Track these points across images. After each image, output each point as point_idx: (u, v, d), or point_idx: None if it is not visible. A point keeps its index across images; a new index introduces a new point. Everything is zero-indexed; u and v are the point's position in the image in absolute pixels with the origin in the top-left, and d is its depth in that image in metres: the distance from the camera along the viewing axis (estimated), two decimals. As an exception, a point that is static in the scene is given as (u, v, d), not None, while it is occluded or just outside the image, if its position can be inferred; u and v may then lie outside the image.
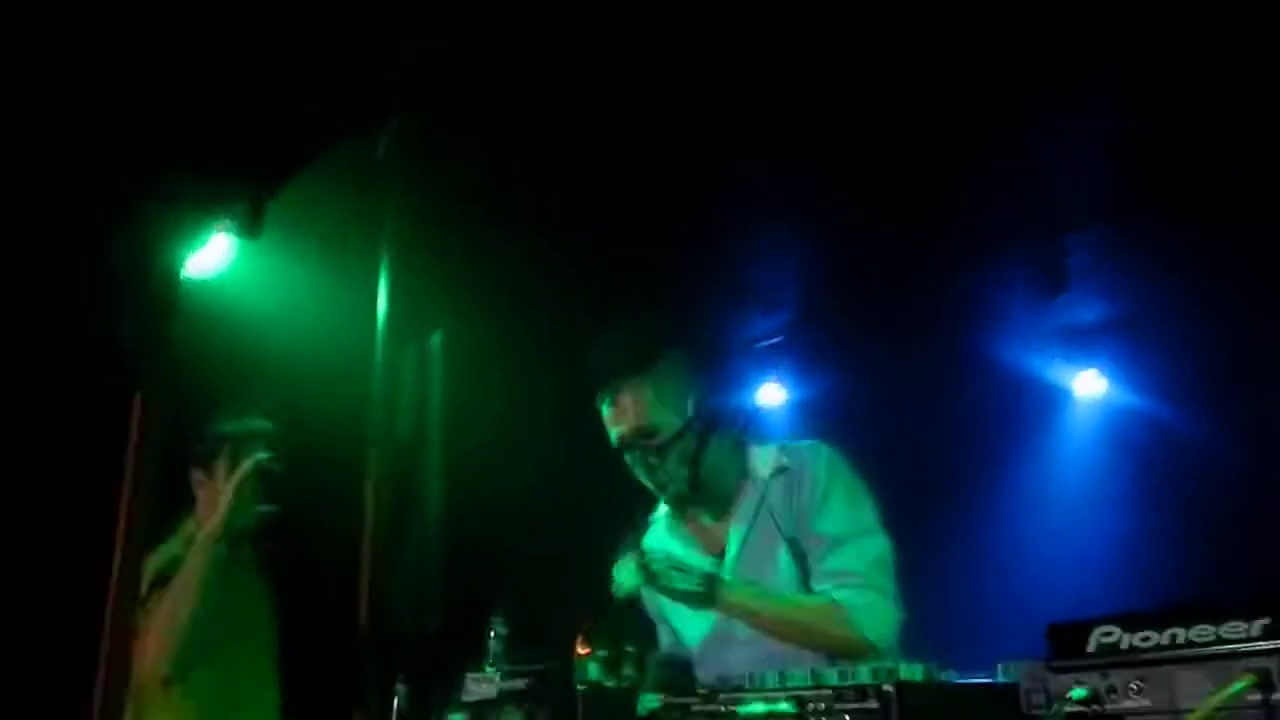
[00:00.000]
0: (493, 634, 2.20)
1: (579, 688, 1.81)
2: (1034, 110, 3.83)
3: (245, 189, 2.97)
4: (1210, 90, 3.65)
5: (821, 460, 2.44)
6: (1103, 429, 4.77)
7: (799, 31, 3.54)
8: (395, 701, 2.36)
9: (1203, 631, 1.09)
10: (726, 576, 2.35)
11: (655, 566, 2.31)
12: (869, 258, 4.65)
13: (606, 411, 2.48)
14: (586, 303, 4.40)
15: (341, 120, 3.00)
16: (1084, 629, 1.18)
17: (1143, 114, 3.81)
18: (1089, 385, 4.84)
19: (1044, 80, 3.69)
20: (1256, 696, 1.05)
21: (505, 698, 1.84)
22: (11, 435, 2.39)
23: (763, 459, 2.50)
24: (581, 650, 1.97)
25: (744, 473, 2.49)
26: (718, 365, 2.69)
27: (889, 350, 4.90)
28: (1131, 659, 1.14)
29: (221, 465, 2.94)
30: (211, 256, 3.06)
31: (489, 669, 2.00)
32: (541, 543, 3.94)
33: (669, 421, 2.41)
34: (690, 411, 2.43)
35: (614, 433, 2.47)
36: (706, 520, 2.53)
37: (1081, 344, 4.79)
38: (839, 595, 2.27)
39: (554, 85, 3.63)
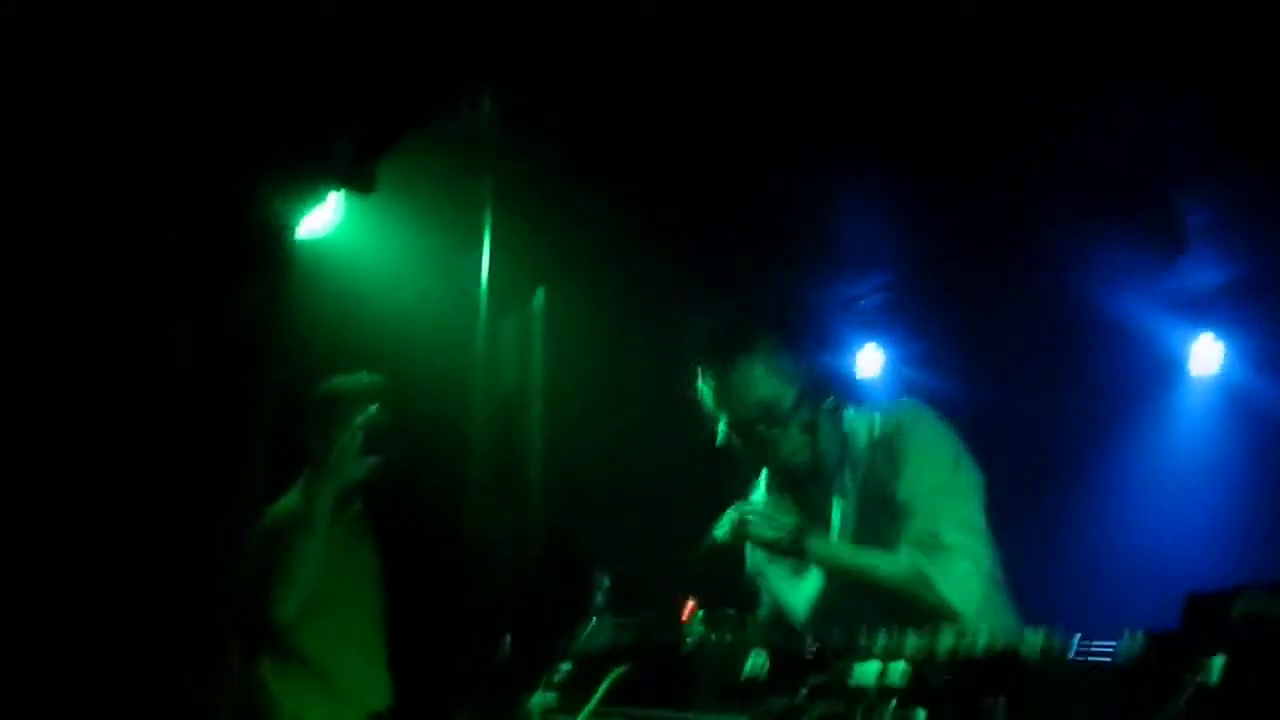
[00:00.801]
0: (598, 589, 2.22)
1: (686, 642, 1.82)
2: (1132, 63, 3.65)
3: (355, 149, 3.03)
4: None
5: (917, 422, 2.42)
6: (1220, 400, 4.56)
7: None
8: (500, 652, 2.41)
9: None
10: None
11: (747, 515, 2.33)
12: (967, 221, 4.51)
13: (713, 395, 2.44)
14: (681, 271, 4.39)
15: (448, 85, 3.03)
16: (1225, 598, 1.14)
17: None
18: (1205, 353, 4.62)
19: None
20: None
21: (617, 650, 1.86)
22: (135, 387, 2.48)
23: (861, 427, 2.47)
24: (687, 607, 1.98)
25: (843, 443, 2.46)
26: (818, 331, 2.76)
27: (988, 315, 4.77)
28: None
29: (334, 420, 3.02)
30: (324, 215, 3.14)
31: (598, 622, 2.02)
32: (639, 504, 3.96)
33: (784, 392, 2.38)
34: (802, 380, 2.41)
35: (725, 415, 2.42)
36: (811, 497, 2.49)
37: (1198, 310, 4.57)
38: (922, 561, 2.25)
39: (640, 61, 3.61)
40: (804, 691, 1.46)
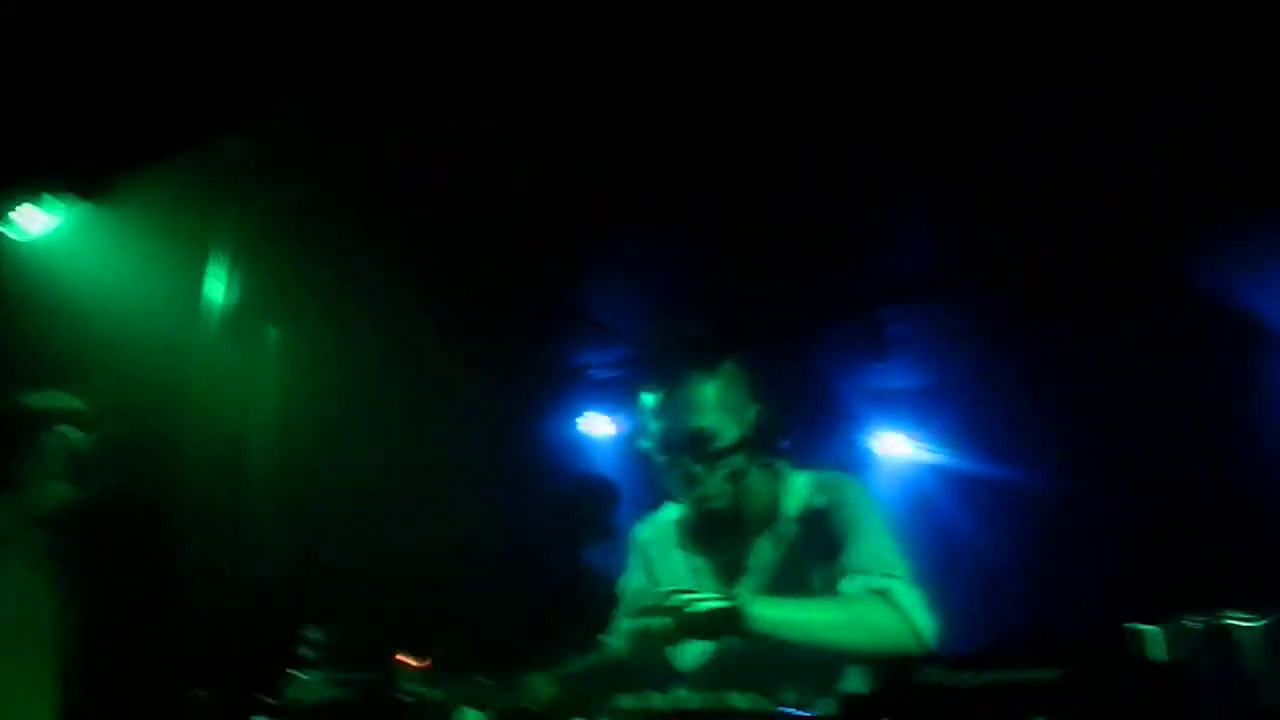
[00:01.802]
0: (308, 642, 2.14)
1: (404, 698, 1.80)
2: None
3: (90, 153, 2.83)
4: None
5: (855, 497, 2.28)
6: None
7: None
8: (198, 700, 2.28)
9: None
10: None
11: (678, 599, 2.00)
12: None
13: (657, 405, 2.24)
14: (431, 318, 4.36)
15: (204, 105, 2.90)
16: (910, 667, 1.30)
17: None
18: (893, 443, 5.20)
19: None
20: None
21: (330, 704, 1.80)
22: None
23: (794, 492, 2.33)
24: (409, 662, 1.96)
25: (771, 505, 2.31)
26: (777, 381, 2.45)
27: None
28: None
29: (22, 441, 2.75)
30: (40, 219, 2.90)
31: (312, 673, 1.95)
32: (366, 552, 3.85)
33: (727, 429, 2.21)
34: (749, 424, 2.25)
35: (659, 429, 2.23)
36: (722, 543, 2.33)
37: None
38: (877, 584, 2.09)
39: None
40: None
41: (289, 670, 2.01)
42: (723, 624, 1.99)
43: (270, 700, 1.96)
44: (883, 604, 2.06)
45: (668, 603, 1.98)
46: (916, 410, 5.10)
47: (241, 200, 3.12)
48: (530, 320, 4.77)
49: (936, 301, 4.62)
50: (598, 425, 5.45)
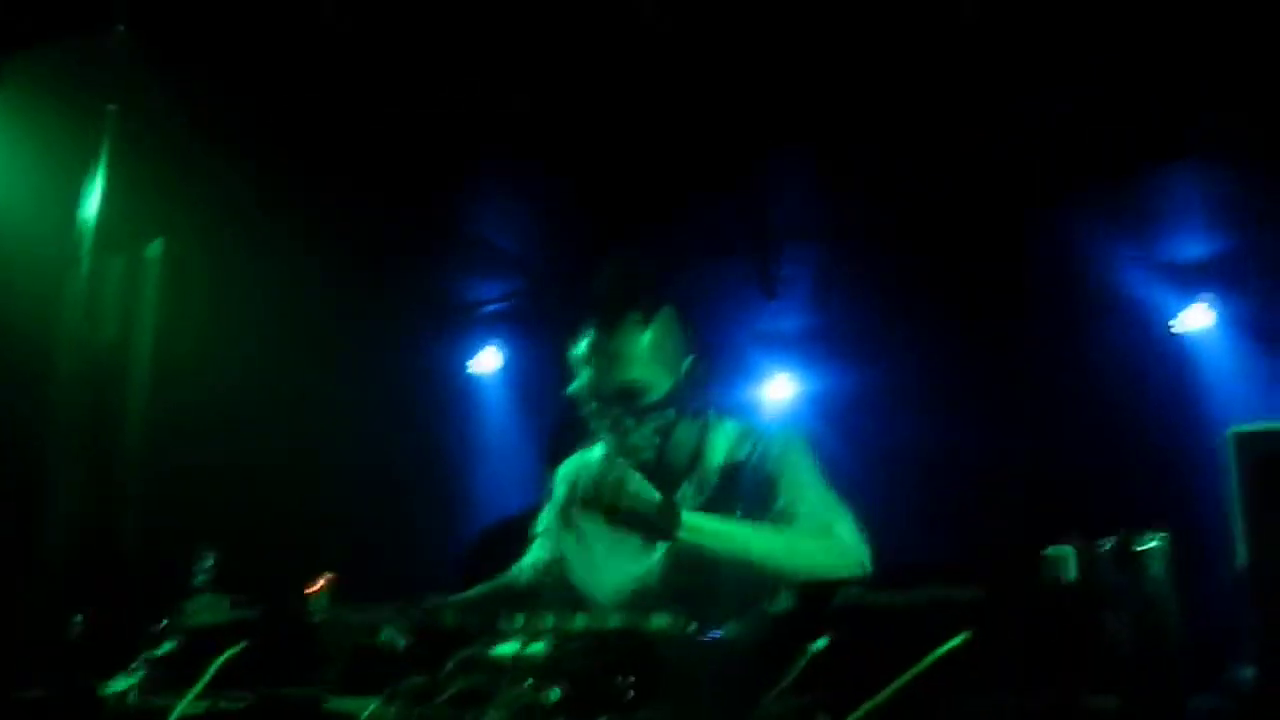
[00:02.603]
0: (200, 567, 2.08)
1: (315, 618, 1.76)
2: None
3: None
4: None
5: (783, 448, 2.24)
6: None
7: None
8: (70, 630, 2.18)
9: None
10: (660, 555, 2.14)
11: (609, 479, 1.98)
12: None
13: (585, 351, 2.20)
14: (307, 237, 4.22)
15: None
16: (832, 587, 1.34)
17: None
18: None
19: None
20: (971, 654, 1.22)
21: (234, 625, 1.75)
22: None
23: (720, 442, 2.28)
24: (313, 584, 1.92)
25: (696, 454, 2.26)
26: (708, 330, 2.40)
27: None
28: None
29: None
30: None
31: (212, 597, 1.89)
32: (251, 480, 3.74)
33: (659, 383, 2.17)
34: (681, 376, 2.21)
35: (588, 377, 2.19)
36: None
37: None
38: (819, 519, 2.09)
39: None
40: (447, 667, 1.48)
41: (184, 594, 1.95)
42: (653, 520, 1.97)
43: (164, 624, 1.89)
44: (823, 534, 2.05)
45: (605, 478, 1.95)
46: (804, 353, 5.20)
47: (122, 105, 2.92)
48: (417, 244, 4.68)
49: (826, 242, 4.72)
50: (488, 361, 5.39)
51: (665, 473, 2.21)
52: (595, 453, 2.41)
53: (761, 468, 2.22)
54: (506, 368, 5.30)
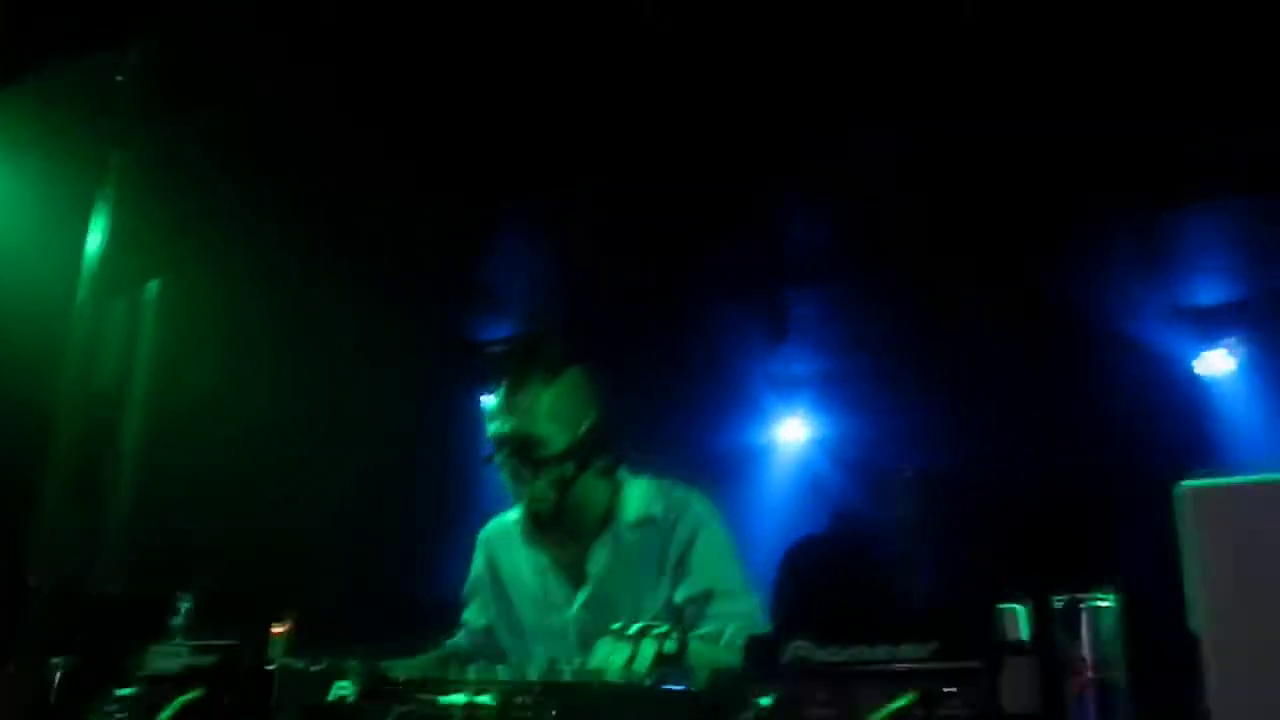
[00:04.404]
0: (178, 608, 2.06)
1: (271, 666, 1.74)
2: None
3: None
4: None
5: (697, 513, 2.32)
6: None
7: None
8: (56, 670, 2.17)
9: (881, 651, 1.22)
10: (578, 609, 2.30)
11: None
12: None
13: (494, 405, 2.29)
14: (323, 273, 4.24)
15: (86, 29, 2.75)
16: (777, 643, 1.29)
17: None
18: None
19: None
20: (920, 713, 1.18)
21: (191, 673, 1.73)
22: None
23: (632, 499, 2.36)
24: (278, 629, 1.90)
25: (609, 511, 2.35)
26: (618, 391, 2.46)
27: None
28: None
29: None
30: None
31: (173, 643, 1.87)
32: (242, 518, 3.74)
33: (556, 438, 2.25)
34: (581, 433, 2.28)
35: (494, 428, 2.28)
36: (557, 539, 2.38)
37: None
38: (712, 622, 2.19)
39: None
40: (394, 715, 1.45)
41: (151, 640, 1.94)
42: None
43: (135, 670, 1.88)
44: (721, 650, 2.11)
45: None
46: (814, 395, 5.16)
47: (124, 145, 2.96)
48: (425, 291, 4.69)
49: (839, 284, 4.69)
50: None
51: (574, 526, 2.32)
52: (512, 515, 2.48)
53: (673, 531, 2.30)
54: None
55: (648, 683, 1.46)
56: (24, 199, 3.11)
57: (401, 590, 3.77)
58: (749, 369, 5.13)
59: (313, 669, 1.67)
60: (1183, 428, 4.42)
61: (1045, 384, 4.48)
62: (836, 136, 4.00)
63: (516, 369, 2.28)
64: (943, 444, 4.56)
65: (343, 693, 1.60)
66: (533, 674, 1.50)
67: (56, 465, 2.89)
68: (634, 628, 1.83)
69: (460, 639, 2.50)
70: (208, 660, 1.77)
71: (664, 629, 1.85)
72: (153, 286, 3.27)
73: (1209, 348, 4.73)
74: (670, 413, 4.93)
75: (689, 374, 4.99)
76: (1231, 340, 4.69)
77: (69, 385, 2.97)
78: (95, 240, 3.05)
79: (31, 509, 2.80)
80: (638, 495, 2.36)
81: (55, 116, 3.03)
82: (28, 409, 2.92)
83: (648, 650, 1.76)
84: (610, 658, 1.77)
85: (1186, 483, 1.10)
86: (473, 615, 2.52)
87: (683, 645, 1.86)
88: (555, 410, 2.26)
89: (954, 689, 1.19)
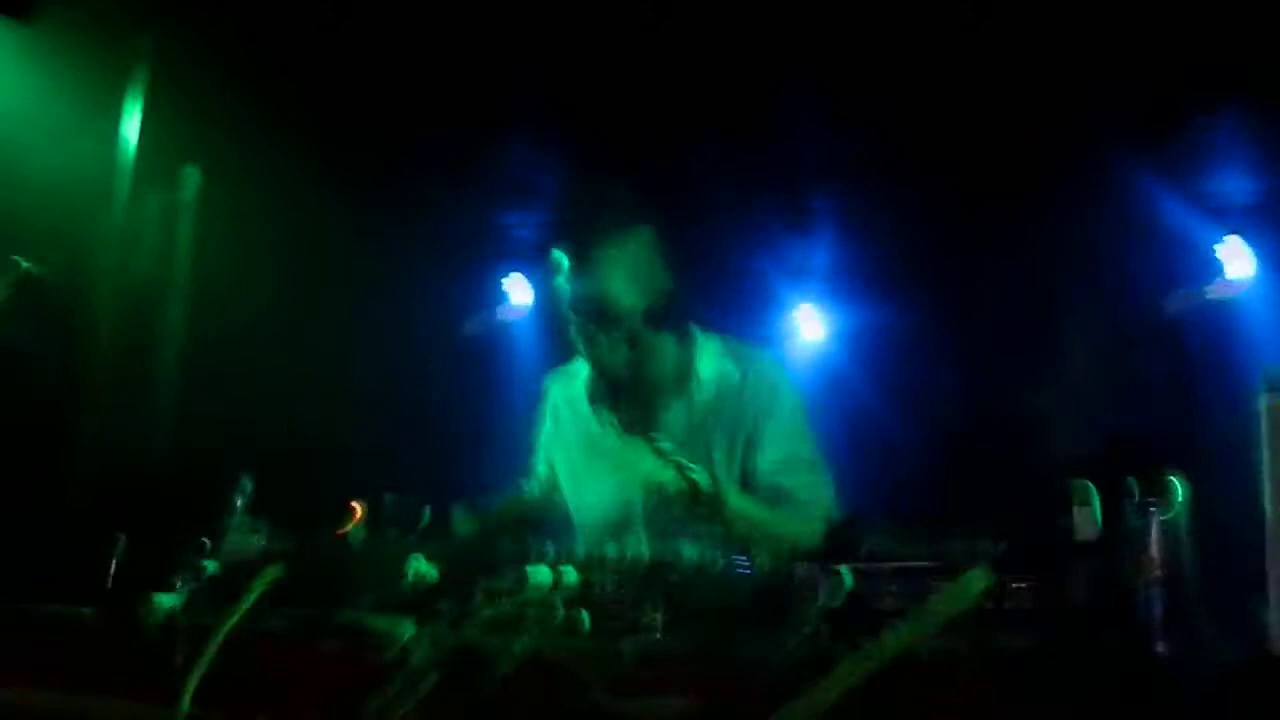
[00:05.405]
0: (239, 491, 2.11)
1: (350, 547, 1.80)
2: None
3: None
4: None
5: (771, 374, 2.36)
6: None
7: None
8: (114, 551, 2.23)
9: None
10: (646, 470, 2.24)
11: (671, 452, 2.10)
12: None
13: (568, 266, 2.26)
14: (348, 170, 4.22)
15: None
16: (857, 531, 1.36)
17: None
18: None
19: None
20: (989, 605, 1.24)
21: (271, 551, 1.79)
22: None
23: (708, 357, 2.38)
24: (351, 511, 1.95)
25: (686, 366, 2.36)
26: (695, 250, 2.47)
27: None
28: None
29: None
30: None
31: (247, 522, 1.92)
32: (287, 408, 3.79)
33: (629, 300, 2.25)
34: (653, 295, 2.27)
35: (568, 290, 2.27)
36: (625, 406, 2.38)
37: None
38: (786, 482, 2.25)
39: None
40: (479, 592, 1.51)
41: (221, 517, 1.99)
42: (700, 501, 2.07)
43: (204, 550, 1.93)
44: (794, 511, 2.19)
45: (656, 446, 2.05)
46: (835, 291, 5.16)
47: (160, 30, 2.92)
48: (449, 175, 4.67)
49: (864, 180, 4.66)
50: (518, 287, 5.42)
51: (648, 389, 2.32)
52: (581, 368, 2.48)
53: (752, 398, 2.32)
54: (536, 295, 5.34)
55: (720, 567, 1.52)
56: (61, 89, 3.06)
57: (457, 462, 3.84)
58: (766, 260, 5.12)
59: (394, 544, 1.72)
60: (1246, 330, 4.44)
61: (1103, 277, 4.48)
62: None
63: (584, 229, 2.26)
64: (1013, 346, 4.57)
65: (423, 569, 1.67)
66: (627, 544, 1.56)
67: (102, 357, 2.94)
68: (669, 445, 1.89)
69: (531, 487, 2.54)
70: (285, 539, 1.83)
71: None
72: (190, 173, 3.26)
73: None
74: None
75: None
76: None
77: (112, 276, 2.99)
78: (131, 129, 3.04)
79: (77, 394, 2.85)
80: (711, 354, 2.37)
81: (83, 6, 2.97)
82: (70, 301, 2.93)
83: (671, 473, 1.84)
84: (639, 463, 1.85)
85: (1271, 368, 1.11)
86: (541, 462, 2.57)
87: (715, 487, 1.98)
88: (629, 269, 2.25)
89: (1023, 584, 1.25)
